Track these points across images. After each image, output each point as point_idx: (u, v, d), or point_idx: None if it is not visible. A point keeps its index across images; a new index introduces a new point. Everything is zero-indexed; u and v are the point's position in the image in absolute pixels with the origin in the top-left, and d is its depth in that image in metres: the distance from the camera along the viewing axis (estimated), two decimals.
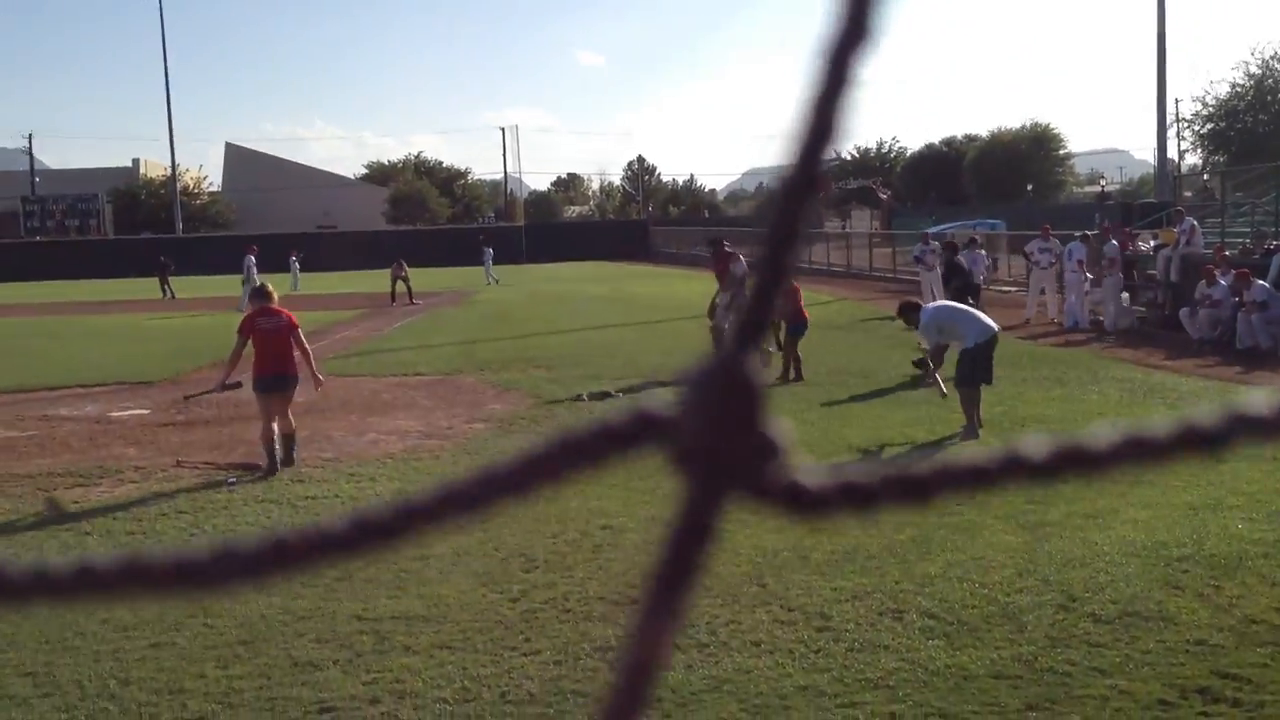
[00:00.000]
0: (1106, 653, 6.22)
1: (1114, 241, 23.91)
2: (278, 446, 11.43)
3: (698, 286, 40.73)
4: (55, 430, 14.28)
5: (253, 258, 36.79)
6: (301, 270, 47.39)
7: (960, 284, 18.63)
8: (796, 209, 0.51)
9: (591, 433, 0.52)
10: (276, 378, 11.48)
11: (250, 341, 11.64)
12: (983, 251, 27.65)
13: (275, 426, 11.45)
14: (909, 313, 13.12)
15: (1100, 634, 6.50)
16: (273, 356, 11.49)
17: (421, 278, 40.84)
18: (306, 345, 11.88)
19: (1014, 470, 0.52)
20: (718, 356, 0.51)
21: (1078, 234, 25.48)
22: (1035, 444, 0.52)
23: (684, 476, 0.52)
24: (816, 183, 0.51)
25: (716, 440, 0.51)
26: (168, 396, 16.85)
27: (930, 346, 12.65)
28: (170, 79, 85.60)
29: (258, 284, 12.15)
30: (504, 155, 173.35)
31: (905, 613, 6.93)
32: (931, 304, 13.90)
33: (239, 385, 11.95)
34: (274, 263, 43.88)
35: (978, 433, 11.98)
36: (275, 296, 12.06)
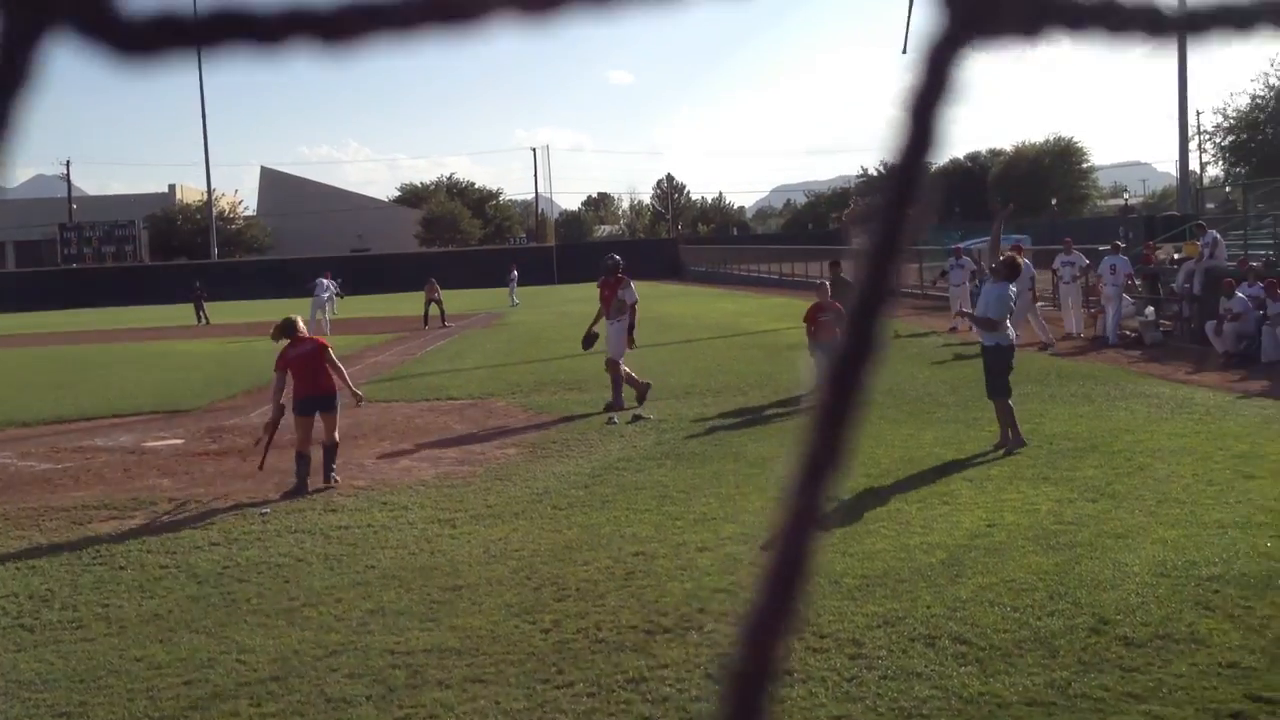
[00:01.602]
0: (1139, 677, 6.19)
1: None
2: (312, 462, 12.04)
3: (729, 305, 40.79)
4: (90, 462, 14.42)
5: (326, 280, 36.28)
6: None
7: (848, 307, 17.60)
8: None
9: None
10: (314, 398, 12.18)
11: (288, 373, 12.20)
12: (1028, 261, 27.46)
13: (317, 442, 12.13)
14: (1005, 270, 12.76)
15: (1133, 658, 6.47)
16: (309, 380, 12.13)
17: (453, 300, 40.98)
18: (339, 364, 12.53)
19: None
20: None
21: (1104, 247, 25.34)
22: None
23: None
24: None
25: None
26: (202, 425, 17.01)
27: (984, 315, 12.40)
28: (206, 103, 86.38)
29: (293, 317, 12.49)
30: (535, 175, 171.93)
31: (938, 639, 6.90)
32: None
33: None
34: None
35: (1010, 448, 11.98)
36: (301, 325, 12.54)
